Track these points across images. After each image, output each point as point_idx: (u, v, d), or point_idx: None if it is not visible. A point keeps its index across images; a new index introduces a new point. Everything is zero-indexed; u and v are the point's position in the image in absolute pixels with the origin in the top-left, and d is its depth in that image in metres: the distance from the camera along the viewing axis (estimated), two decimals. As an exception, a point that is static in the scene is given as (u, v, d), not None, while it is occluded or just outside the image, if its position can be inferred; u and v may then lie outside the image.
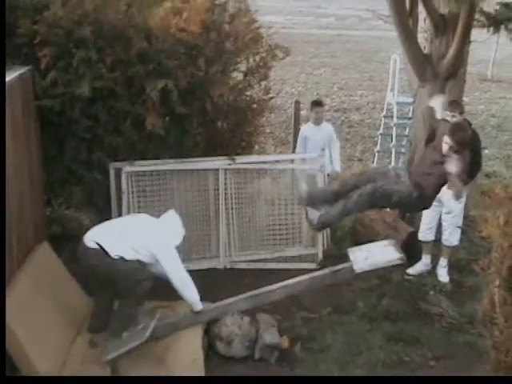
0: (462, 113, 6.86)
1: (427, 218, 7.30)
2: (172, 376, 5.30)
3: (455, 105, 6.87)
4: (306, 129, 8.46)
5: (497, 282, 4.12)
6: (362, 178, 5.78)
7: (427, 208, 6.15)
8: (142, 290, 5.47)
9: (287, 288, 5.68)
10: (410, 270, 7.33)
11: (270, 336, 5.87)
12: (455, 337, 6.17)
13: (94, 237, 5.54)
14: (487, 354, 4.48)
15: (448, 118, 6.50)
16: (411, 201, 5.57)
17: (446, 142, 5.44)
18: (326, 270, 5.74)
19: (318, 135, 8.28)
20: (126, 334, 5.56)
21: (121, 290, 5.56)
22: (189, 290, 5.55)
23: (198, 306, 5.58)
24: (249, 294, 5.76)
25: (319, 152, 7.99)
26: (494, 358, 4.25)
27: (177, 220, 5.78)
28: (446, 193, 6.45)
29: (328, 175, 7.81)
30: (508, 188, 3.99)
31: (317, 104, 8.52)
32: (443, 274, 7.30)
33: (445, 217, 7.23)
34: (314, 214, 5.79)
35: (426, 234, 7.37)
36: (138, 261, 5.49)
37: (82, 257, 5.55)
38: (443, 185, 5.57)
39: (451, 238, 7.24)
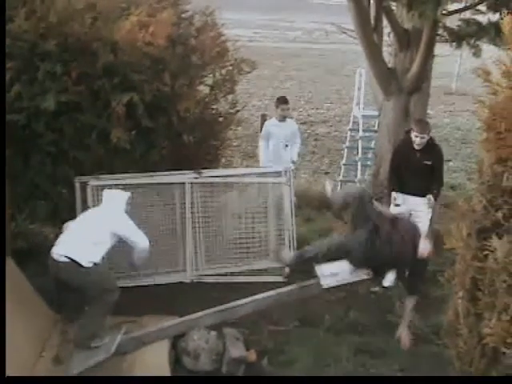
0: (428, 133, 6.97)
1: None
2: (172, 376, 5.27)
3: (424, 126, 6.95)
4: (271, 124, 8.54)
5: (460, 294, 4.16)
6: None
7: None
8: (111, 298, 5.59)
9: (254, 303, 5.74)
10: (386, 283, 7.31)
11: (236, 350, 5.85)
12: (421, 348, 6.20)
13: (62, 251, 5.58)
14: (452, 365, 4.52)
15: (417, 140, 6.69)
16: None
17: None
18: (294, 286, 5.79)
19: (281, 131, 8.42)
20: (92, 349, 5.53)
21: (91, 299, 5.62)
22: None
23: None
24: (216, 308, 5.79)
25: (282, 147, 8.14)
26: (459, 369, 4.28)
27: (114, 192, 6.14)
28: (416, 205, 6.63)
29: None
30: (470, 200, 4.04)
31: (283, 101, 8.61)
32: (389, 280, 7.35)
33: None
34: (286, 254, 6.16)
35: None
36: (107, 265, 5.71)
37: (54, 272, 5.62)
38: None
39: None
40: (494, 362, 3.80)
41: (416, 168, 6.97)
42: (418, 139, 6.87)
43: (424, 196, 7.01)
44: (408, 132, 7.21)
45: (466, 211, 3.98)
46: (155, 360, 5.59)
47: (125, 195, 6.17)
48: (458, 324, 4.21)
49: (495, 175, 3.67)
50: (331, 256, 5.90)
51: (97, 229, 5.78)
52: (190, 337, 5.85)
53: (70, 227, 5.96)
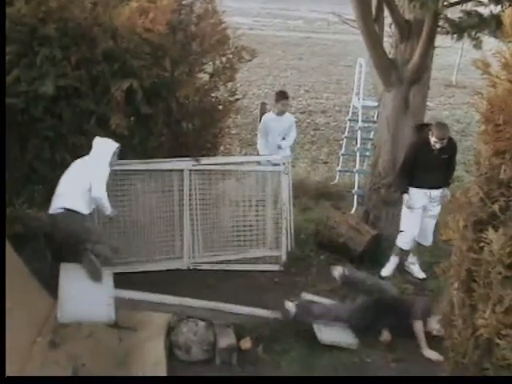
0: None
1: (415, 228, 7.37)
2: (172, 376, 5.29)
3: (445, 131, 7.06)
4: (269, 118, 8.56)
5: (456, 285, 4.16)
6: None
7: None
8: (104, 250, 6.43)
9: (247, 317, 6.08)
10: (384, 272, 7.38)
11: (226, 339, 5.85)
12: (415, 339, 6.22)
13: (57, 204, 6.26)
14: (446, 356, 4.53)
15: (437, 145, 6.85)
16: None
17: None
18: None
19: (279, 125, 8.45)
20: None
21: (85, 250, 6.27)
22: None
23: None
24: (210, 304, 6.00)
25: (279, 140, 8.19)
26: (453, 359, 4.29)
27: (103, 142, 6.41)
28: (433, 198, 6.95)
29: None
30: (468, 193, 4.04)
31: (284, 97, 8.62)
32: (419, 271, 7.48)
33: (428, 220, 7.36)
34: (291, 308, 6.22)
35: (410, 243, 7.46)
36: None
37: (53, 225, 6.36)
38: None
39: (431, 237, 7.44)
40: (487, 354, 3.81)
41: (434, 164, 7.15)
42: (437, 144, 6.99)
43: (440, 187, 7.29)
44: (419, 129, 7.29)
45: (463, 203, 3.97)
46: (151, 349, 5.59)
47: (113, 145, 6.42)
48: (453, 315, 4.22)
49: (493, 167, 3.66)
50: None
51: (83, 178, 6.30)
52: (179, 330, 5.84)
53: (62, 180, 6.35)
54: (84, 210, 6.30)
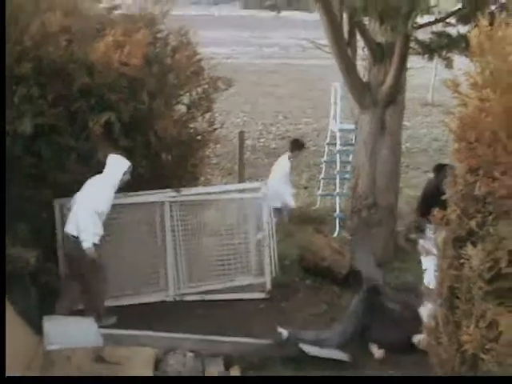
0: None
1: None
2: (172, 376, 5.26)
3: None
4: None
5: (439, 302, 4.21)
6: None
7: None
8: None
9: (236, 345, 6.09)
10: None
11: (215, 368, 5.83)
12: (404, 357, 6.24)
13: (68, 229, 6.51)
14: (435, 373, 4.55)
15: None
16: None
17: None
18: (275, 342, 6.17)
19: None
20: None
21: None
22: None
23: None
24: (198, 336, 6.02)
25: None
26: (442, 375, 4.32)
27: (116, 159, 6.56)
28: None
29: None
30: (446, 211, 4.10)
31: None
32: None
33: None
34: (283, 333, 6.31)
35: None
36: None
37: (67, 248, 6.68)
38: None
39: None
40: (473, 369, 3.84)
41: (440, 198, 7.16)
42: None
43: None
44: (439, 169, 7.39)
45: (442, 221, 4.03)
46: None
47: (125, 164, 6.54)
48: (438, 332, 4.26)
49: (467, 185, 3.73)
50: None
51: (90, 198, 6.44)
52: (165, 362, 5.82)
53: (75, 200, 6.53)
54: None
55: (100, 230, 6.46)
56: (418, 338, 6.18)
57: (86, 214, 6.37)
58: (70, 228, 6.50)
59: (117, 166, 6.54)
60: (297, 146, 9.44)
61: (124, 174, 6.55)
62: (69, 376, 5.18)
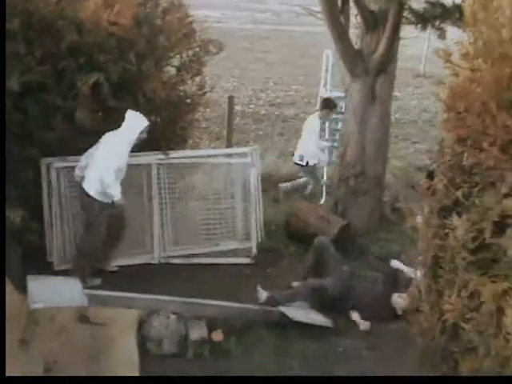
0: None
1: None
2: (173, 376, 5.29)
3: None
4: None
5: (423, 271, 4.23)
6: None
7: None
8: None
9: (220, 309, 6.10)
10: None
11: (197, 331, 5.87)
12: (385, 327, 6.30)
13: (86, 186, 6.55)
14: (415, 342, 4.60)
15: None
16: None
17: None
18: (260, 307, 6.26)
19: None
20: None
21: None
22: None
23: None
24: (182, 299, 5.98)
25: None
26: (422, 345, 4.36)
27: (134, 116, 6.56)
28: None
29: None
30: (432, 180, 4.10)
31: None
32: None
33: None
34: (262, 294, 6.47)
35: None
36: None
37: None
38: None
39: None
40: (454, 338, 3.88)
41: None
42: None
43: None
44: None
45: (428, 190, 4.03)
46: (123, 345, 5.59)
47: (143, 122, 6.54)
48: (420, 301, 4.28)
49: (455, 155, 3.72)
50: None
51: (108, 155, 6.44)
52: (150, 323, 5.85)
53: (91, 156, 6.57)
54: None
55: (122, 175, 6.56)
56: (397, 301, 6.29)
57: (109, 170, 6.38)
58: (88, 187, 6.52)
59: (134, 123, 6.51)
60: (328, 105, 9.42)
61: (141, 133, 6.53)
62: (69, 376, 5.17)
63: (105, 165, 6.39)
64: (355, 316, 6.44)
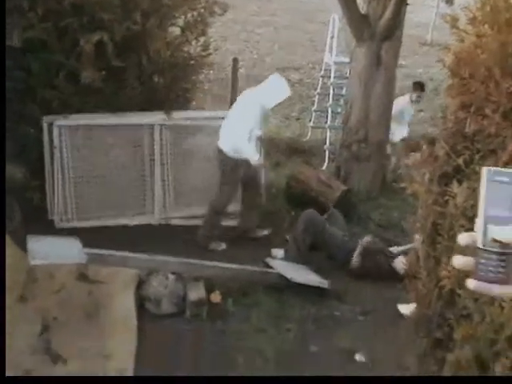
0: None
1: None
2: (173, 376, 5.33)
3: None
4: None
5: (421, 238, 4.23)
6: None
7: None
8: None
9: (218, 270, 6.12)
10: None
11: (195, 292, 5.90)
12: (382, 293, 6.32)
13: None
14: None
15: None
16: None
17: None
18: (258, 268, 6.28)
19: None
20: None
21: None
22: None
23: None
24: (181, 259, 5.97)
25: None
26: (417, 311, 4.38)
27: (278, 82, 6.52)
28: None
29: None
30: (433, 146, 4.08)
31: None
32: None
33: None
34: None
35: None
36: None
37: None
38: None
39: None
40: (450, 304, 3.89)
41: None
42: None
43: None
44: None
45: (429, 156, 4.02)
46: (121, 302, 5.63)
47: (285, 91, 6.46)
48: (418, 267, 4.29)
49: (458, 121, 3.69)
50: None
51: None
52: (149, 283, 5.88)
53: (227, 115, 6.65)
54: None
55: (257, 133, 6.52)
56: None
57: (242, 131, 6.35)
58: (222, 143, 6.62)
59: (278, 89, 6.41)
60: (419, 87, 9.48)
61: (280, 103, 6.52)
62: (69, 376, 5.20)
63: (239, 124, 6.37)
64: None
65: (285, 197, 8.00)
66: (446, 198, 3.81)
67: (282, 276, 6.13)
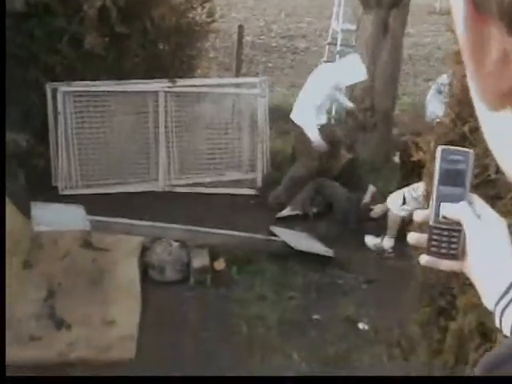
0: None
1: None
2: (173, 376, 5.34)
3: None
4: None
5: (426, 205, 4.20)
6: None
7: None
8: None
9: (223, 237, 6.14)
10: None
11: (199, 260, 5.90)
12: (385, 262, 6.32)
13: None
14: (416, 277, 4.61)
15: None
16: None
17: None
18: (262, 236, 6.29)
19: None
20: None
21: None
22: None
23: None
24: (185, 227, 5.97)
25: None
26: (422, 281, 4.38)
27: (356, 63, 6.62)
28: None
29: None
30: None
31: None
32: None
33: None
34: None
35: None
36: None
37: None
38: None
39: None
40: (453, 273, 3.88)
41: None
42: None
43: None
44: None
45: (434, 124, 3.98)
46: (125, 269, 5.64)
47: (362, 74, 6.55)
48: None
49: (464, 89, 3.65)
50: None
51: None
52: (152, 250, 5.88)
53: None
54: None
55: (322, 120, 6.59)
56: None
57: (306, 107, 6.43)
58: (294, 115, 6.75)
59: (354, 70, 6.43)
60: None
61: (354, 84, 6.73)
62: (69, 376, 5.19)
63: (304, 102, 6.43)
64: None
65: (290, 165, 7.95)
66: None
67: (286, 244, 6.12)
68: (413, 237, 1.20)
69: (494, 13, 0.42)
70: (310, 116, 6.38)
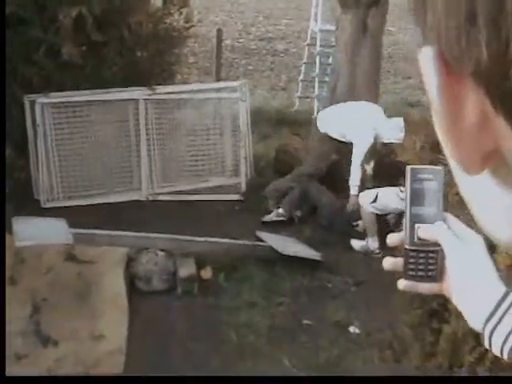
0: None
1: None
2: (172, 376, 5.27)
3: None
4: None
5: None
6: None
7: None
8: None
9: (209, 244, 6.08)
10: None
11: (186, 269, 5.83)
12: (374, 263, 6.28)
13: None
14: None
15: None
16: None
17: None
18: (249, 242, 6.23)
19: None
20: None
21: None
22: None
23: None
24: (171, 236, 5.90)
25: None
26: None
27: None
28: None
29: None
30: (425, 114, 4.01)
31: None
32: None
33: None
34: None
35: None
36: None
37: None
38: None
39: None
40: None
41: None
42: None
43: None
44: None
45: (419, 125, 3.95)
46: (111, 281, 5.57)
47: (400, 138, 6.18)
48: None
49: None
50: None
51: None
52: (138, 260, 5.81)
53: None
54: None
55: None
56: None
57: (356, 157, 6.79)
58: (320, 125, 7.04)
59: (397, 131, 5.95)
60: None
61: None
62: (69, 376, 5.11)
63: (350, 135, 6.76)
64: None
65: (273, 169, 7.92)
66: (439, 165, 3.75)
67: (273, 249, 6.07)
68: (388, 261, 1.15)
69: (469, 75, 0.38)
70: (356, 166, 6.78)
